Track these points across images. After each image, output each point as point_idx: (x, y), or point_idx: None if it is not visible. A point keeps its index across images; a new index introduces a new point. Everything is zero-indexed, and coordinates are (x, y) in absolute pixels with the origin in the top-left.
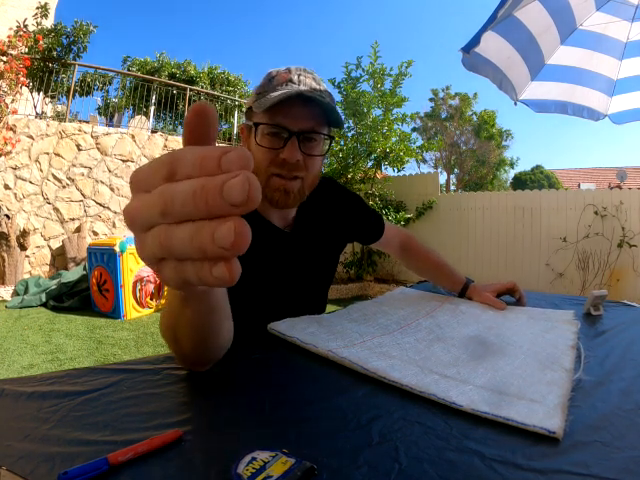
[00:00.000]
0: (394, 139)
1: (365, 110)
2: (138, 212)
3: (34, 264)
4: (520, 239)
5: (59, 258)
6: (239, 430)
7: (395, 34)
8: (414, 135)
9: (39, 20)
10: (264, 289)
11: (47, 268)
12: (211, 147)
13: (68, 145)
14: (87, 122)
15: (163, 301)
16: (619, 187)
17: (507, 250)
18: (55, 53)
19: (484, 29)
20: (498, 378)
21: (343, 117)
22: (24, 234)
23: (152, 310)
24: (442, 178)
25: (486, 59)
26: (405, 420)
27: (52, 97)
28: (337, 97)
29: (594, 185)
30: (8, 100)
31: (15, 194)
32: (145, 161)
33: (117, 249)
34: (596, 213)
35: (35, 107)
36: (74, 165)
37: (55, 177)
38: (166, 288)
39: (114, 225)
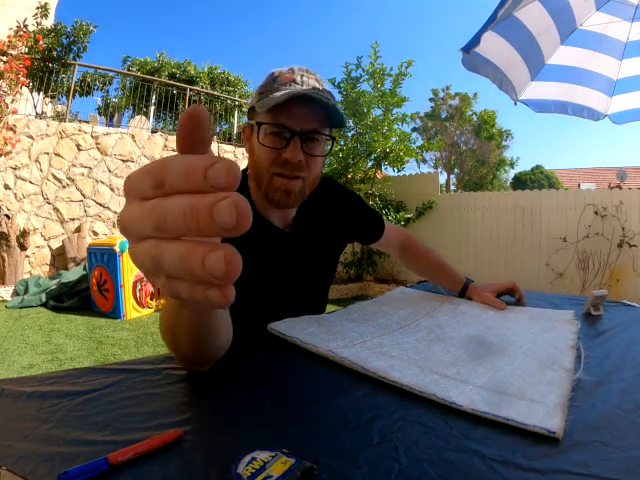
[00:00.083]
0: (394, 139)
1: (365, 110)
2: (131, 223)
3: (34, 264)
4: (520, 239)
5: (59, 258)
6: (239, 430)
7: (395, 34)
8: (414, 135)
9: (39, 20)
10: (264, 289)
11: (47, 268)
12: (199, 157)
13: (68, 145)
14: (87, 122)
15: (163, 301)
16: (619, 187)
17: (507, 250)
18: (55, 53)
19: (484, 29)
20: (498, 378)
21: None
22: (24, 234)
23: (152, 310)
24: (442, 178)
25: (486, 59)
26: (405, 420)
27: (52, 97)
28: (337, 97)
29: (594, 185)
30: (8, 100)
31: (15, 194)
32: (145, 161)
33: (117, 249)
34: (596, 213)
35: (35, 107)
36: (74, 165)
37: (55, 177)
38: None
39: (114, 225)
